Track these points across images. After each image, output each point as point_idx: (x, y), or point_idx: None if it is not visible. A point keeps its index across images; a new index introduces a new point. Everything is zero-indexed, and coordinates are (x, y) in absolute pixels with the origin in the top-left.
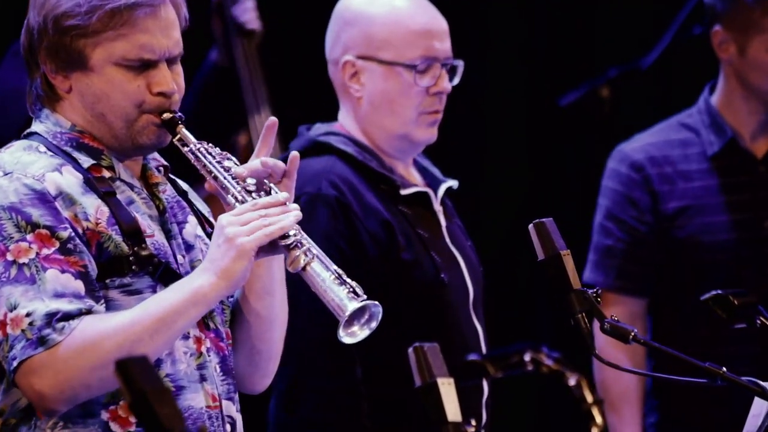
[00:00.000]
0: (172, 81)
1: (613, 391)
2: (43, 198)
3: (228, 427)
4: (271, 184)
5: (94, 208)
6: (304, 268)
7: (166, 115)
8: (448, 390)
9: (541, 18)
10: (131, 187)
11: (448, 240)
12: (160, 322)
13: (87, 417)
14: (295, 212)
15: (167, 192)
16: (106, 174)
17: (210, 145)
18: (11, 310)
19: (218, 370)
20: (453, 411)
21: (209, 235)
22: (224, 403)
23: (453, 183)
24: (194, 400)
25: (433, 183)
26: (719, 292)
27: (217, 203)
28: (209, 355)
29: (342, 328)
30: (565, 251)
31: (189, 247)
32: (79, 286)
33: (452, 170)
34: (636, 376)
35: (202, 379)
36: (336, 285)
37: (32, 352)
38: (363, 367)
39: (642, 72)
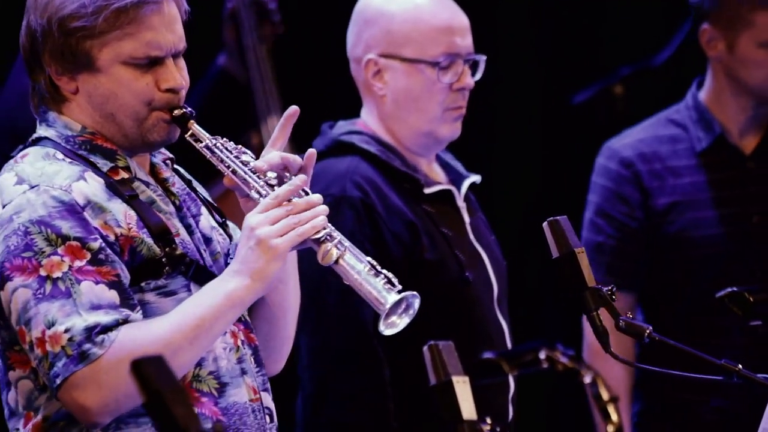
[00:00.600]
0: (180, 76)
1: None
2: (72, 209)
3: (267, 418)
4: (294, 177)
5: (122, 213)
6: (336, 261)
7: (177, 112)
8: (463, 388)
9: (550, 16)
10: (147, 185)
11: (471, 237)
12: (199, 328)
13: (138, 417)
14: (323, 207)
15: (177, 185)
16: (125, 175)
17: (224, 139)
18: (49, 327)
19: (253, 362)
20: (468, 409)
21: (221, 225)
22: (262, 394)
23: (476, 178)
24: (238, 395)
25: (457, 179)
26: (734, 289)
27: (229, 202)
28: (244, 348)
29: (382, 320)
30: (580, 249)
31: (207, 240)
32: (113, 296)
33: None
34: (627, 367)
35: (243, 372)
36: (372, 277)
37: (74, 368)
38: (390, 368)
39: (654, 70)
